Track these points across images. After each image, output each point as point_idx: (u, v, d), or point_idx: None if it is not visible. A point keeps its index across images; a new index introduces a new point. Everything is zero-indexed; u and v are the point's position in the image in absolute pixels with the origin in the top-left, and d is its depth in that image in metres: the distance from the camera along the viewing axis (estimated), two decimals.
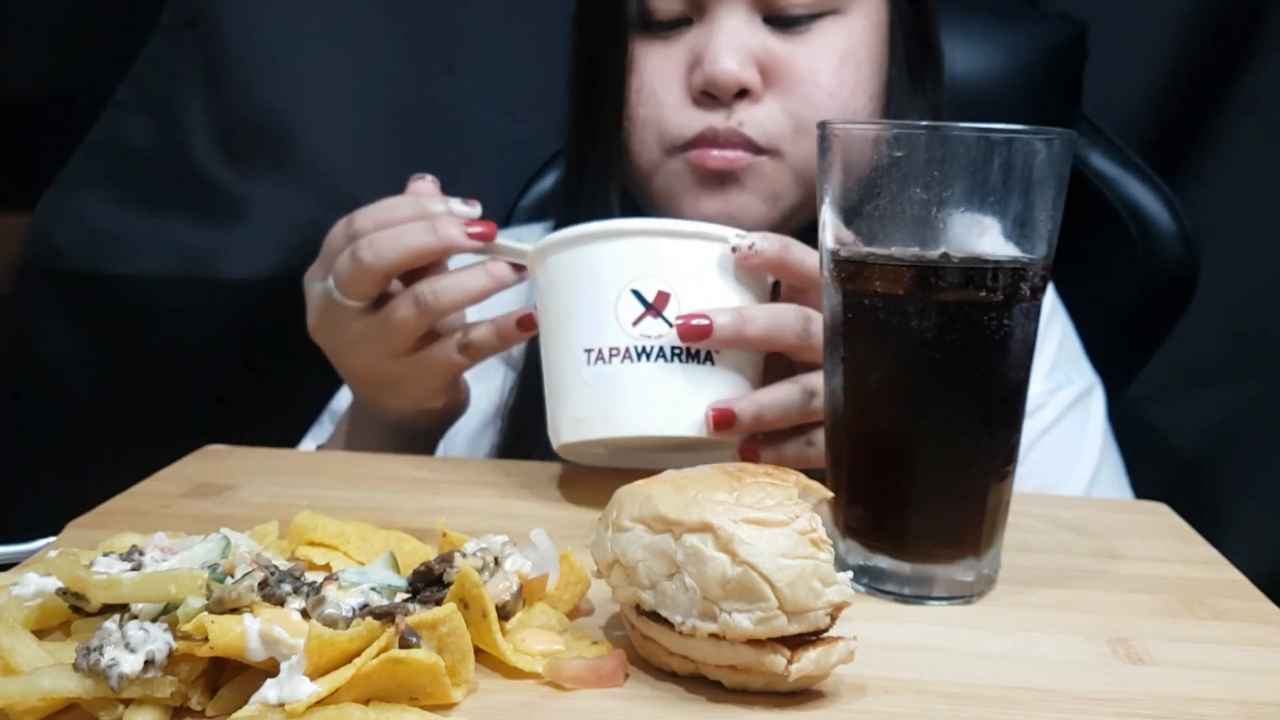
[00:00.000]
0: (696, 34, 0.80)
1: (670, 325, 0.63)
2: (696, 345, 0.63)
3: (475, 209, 0.72)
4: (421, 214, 0.70)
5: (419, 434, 0.82)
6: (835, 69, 0.80)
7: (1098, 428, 0.93)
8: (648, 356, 0.63)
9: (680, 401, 0.63)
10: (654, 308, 0.63)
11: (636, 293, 0.63)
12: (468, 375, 0.80)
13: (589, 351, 0.64)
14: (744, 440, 0.66)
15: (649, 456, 0.68)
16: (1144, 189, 1.13)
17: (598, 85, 0.84)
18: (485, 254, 0.71)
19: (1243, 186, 1.15)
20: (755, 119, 0.79)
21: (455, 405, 0.81)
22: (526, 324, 0.70)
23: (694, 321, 0.62)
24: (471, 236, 0.69)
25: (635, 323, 0.63)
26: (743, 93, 0.79)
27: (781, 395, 0.64)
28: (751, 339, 0.63)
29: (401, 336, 0.71)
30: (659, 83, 0.81)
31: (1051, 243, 0.53)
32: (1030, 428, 0.90)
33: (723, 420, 0.63)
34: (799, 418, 0.65)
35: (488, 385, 0.89)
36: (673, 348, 0.63)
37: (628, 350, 0.63)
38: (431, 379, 0.75)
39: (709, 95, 0.79)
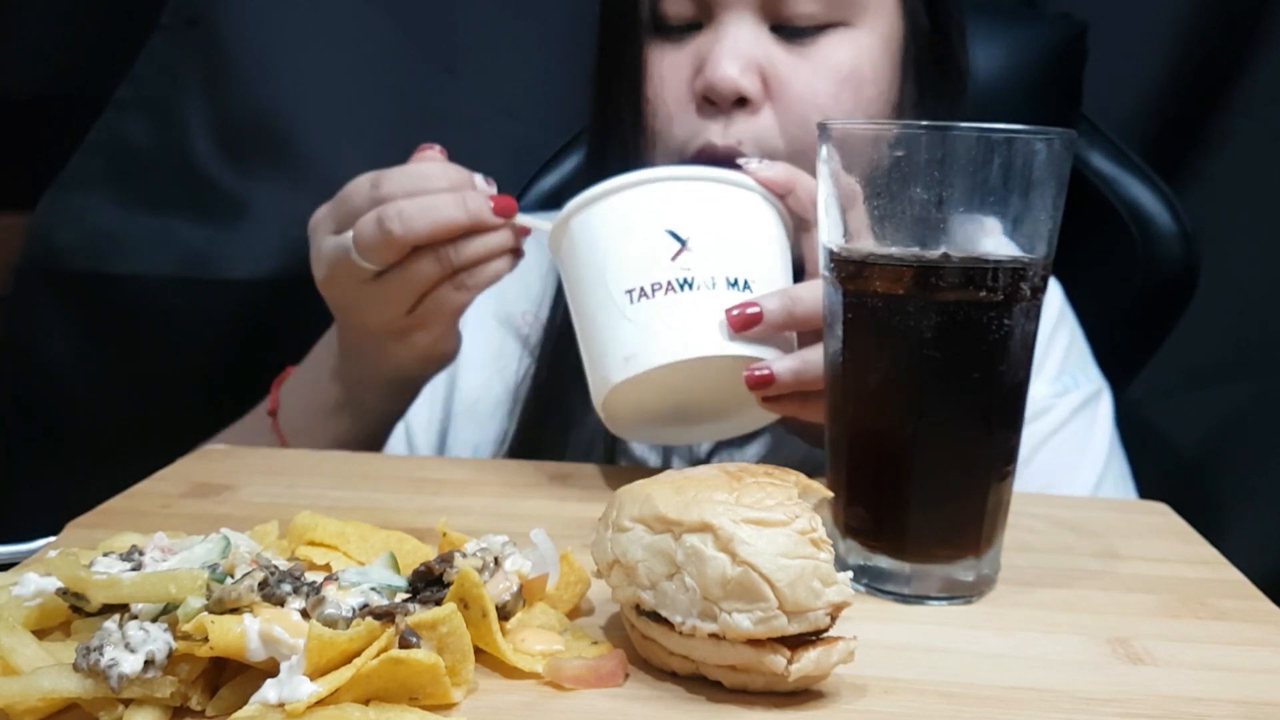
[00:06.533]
0: (704, 39, 0.80)
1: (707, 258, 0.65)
2: (748, 331, 0.64)
3: (493, 186, 0.73)
4: (452, 186, 0.71)
5: (411, 383, 0.83)
6: (835, 91, 0.80)
7: (1104, 432, 0.93)
8: (689, 286, 0.65)
9: (726, 323, 0.65)
10: (689, 244, 0.66)
11: (671, 232, 0.66)
12: (491, 368, 0.80)
13: (630, 291, 0.65)
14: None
15: (695, 427, 0.70)
16: (1144, 189, 1.12)
17: (614, 88, 0.84)
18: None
19: (1242, 186, 1.15)
20: (753, 134, 0.79)
21: (451, 351, 0.81)
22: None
23: (746, 311, 0.64)
24: (494, 211, 0.71)
25: (674, 258, 0.65)
26: (742, 101, 0.78)
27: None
28: (802, 318, 0.65)
29: (420, 292, 0.72)
30: (666, 88, 0.81)
31: (1051, 243, 0.53)
32: (1036, 431, 0.89)
33: (760, 382, 0.64)
34: None
35: (504, 371, 0.89)
36: (712, 276, 0.65)
37: (670, 283, 0.65)
38: (437, 326, 0.76)
39: (710, 101, 0.79)
